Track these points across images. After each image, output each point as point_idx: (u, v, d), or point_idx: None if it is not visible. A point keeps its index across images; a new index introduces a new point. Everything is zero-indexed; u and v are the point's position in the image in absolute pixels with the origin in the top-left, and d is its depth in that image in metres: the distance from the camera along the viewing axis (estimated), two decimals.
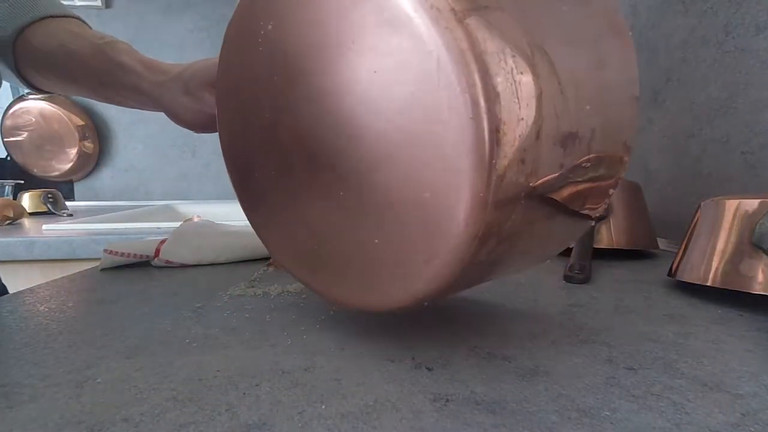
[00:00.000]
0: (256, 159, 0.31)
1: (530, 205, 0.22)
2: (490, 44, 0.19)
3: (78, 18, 0.47)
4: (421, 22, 0.19)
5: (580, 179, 0.24)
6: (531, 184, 0.21)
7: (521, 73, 0.20)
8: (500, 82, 0.19)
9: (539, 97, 0.20)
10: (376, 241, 0.24)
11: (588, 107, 0.23)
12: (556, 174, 0.22)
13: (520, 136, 0.20)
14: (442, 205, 0.21)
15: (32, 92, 0.50)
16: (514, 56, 0.20)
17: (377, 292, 0.25)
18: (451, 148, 0.20)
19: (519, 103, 0.20)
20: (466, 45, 0.19)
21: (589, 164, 0.24)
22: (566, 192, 0.23)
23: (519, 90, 0.20)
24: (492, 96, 0.19)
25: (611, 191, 0.27)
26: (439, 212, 0.21)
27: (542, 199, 0.22)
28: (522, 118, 0.20)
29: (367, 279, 0.26)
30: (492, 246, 0.22)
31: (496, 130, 0.19)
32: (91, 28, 0.47)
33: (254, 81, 0.29)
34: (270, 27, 0.26)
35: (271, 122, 0.28)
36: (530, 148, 0.20)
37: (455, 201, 0.20)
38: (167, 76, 0.42)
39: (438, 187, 0.21)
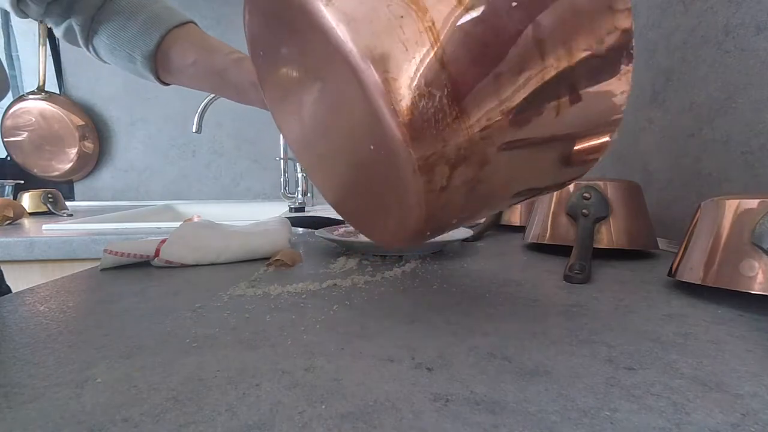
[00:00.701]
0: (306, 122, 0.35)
1: (475, 129, 0.22)
2: (360, 3, 0.20)
3: (193, 22, 0.53)
4: (306, 17, 0.22)
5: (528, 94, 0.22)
6: (455, 108, 0.21)
7: (400, 14, 0.20)
8: (376, 28, 0.20)
9: (428, 26, 0.20)
10: (370, 186, 0.29)
11: (515, 3, 0.21)
12: (482, 82, 0.21)
13: (415, 71, 0.20)
14: (385, 155, 0.23)
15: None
16: (389, 4, 0.20)
17: (386, 228, 0.30)
18: (366, 104, 0.21)
19: (404, 44, 0.20)
20: (336, 17, 0.20)
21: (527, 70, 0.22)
22: (517, 108, 0.22)
23: (400, 28, 0.20)
24: (369, 49, 0.20)
25: (611, 135, 0.26)
26: (386, 161, 0.23)
27: (494, 120, 0.22)
28: (410, 52, 0.20)
29: (376, 219, 0.31)
30: (445, 172, 0.23)
31: (384, 79, 0.20)
32: (204, 32, 0.53)
33: (282, 77, 0.33)
34: (261, 53, 0.32)
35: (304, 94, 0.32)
36: (435, 75, 0.21)
37: (388, 148, 0.22)
38: None
39: (377, 140, 0.23)
